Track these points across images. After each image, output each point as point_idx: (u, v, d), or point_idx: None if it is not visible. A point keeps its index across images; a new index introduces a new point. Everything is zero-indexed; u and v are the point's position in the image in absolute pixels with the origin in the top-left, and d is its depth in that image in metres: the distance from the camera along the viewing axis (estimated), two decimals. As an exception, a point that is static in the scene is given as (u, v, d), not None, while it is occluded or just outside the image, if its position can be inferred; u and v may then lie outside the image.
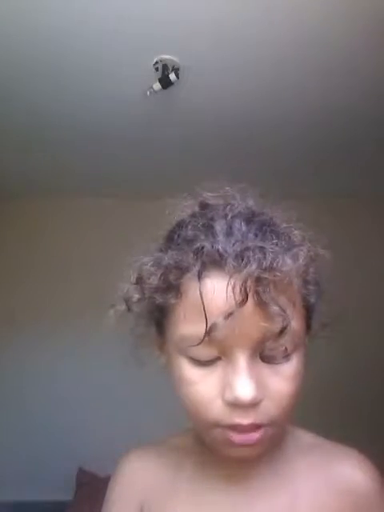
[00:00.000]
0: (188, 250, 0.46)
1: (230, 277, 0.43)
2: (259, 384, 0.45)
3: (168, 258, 0.47)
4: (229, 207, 0.50)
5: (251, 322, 0.44)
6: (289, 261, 0.45)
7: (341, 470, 0.54)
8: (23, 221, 2.96)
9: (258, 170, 2.64)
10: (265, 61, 1.75)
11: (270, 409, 0.46)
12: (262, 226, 0.48)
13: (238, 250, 0.44)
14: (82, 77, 1.85)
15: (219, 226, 0.47)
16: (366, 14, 1.50)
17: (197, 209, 0.52)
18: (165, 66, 1.75)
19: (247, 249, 0.44)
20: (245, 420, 0.45)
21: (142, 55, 1.71)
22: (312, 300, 0.50)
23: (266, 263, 0.43)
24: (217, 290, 0.44)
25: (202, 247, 0.45)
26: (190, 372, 0.48)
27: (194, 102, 2.00)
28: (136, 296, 0.49)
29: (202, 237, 0.46)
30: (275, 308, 0.43)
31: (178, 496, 0.57)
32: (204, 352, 0.46)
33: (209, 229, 0.47)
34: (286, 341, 0.45)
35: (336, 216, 2.89)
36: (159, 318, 0.51)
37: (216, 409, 0.46)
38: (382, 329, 2.69)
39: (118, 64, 1.78)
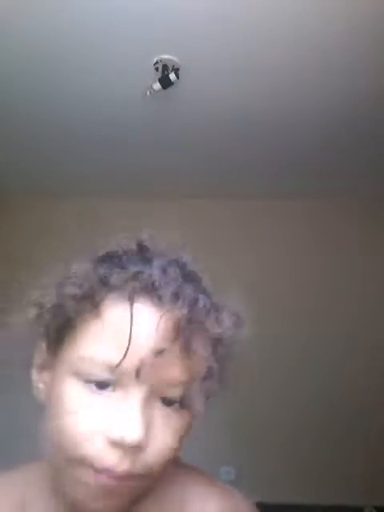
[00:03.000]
0: (120, 270, 0.44)
1: (164, 311, 0.41)
2: (148, 428, 0.41)
3: (97, 272, 0.44)
4: (165, 252, 0.48)
5: (171, 362, 0.41)
6: (212, 319, 0.43)
7: (194, 508, 0.50)
8: (23, 221, 2.96)
9: (257, 170, 2.64)
10: (265, 61, 1.75)
11: (149, 460, 0.41)
12: (193, 279, 0.47)
13: (174, 289, 0.43)
14: (82, 77, 1.86)
15: (156, 262, 0.45)
16: (366, 14, 1.51)
17: (134, 246, 0.49)
18: (165, 66, 1.75)
19: (182, 292, 0.43)
20: (120, 466, 0.40)
21: (142, 55, 1.72)
22: (212, 363, 0.45)
23: (196, 311, 0.42)
24: (147, 320, 0.41)
25: (139, 272, 0.43)
26: (76, 398, 0.42)
27: (194, 102, 2.00)
28: (51, 302, 0.45)
29: (139, 264, 0.45)
30: (200, 352, 0.41)
31: None
32: (101, 377, 0.41)
33: (146, 261, 0.46)
34: (192, 389, 0.42)
35: (336, 216, 2.90)
36: (59, 333, 0.46)
37: (93, 447, 0.40)
38: None
39: (118, 64, 1.78)
